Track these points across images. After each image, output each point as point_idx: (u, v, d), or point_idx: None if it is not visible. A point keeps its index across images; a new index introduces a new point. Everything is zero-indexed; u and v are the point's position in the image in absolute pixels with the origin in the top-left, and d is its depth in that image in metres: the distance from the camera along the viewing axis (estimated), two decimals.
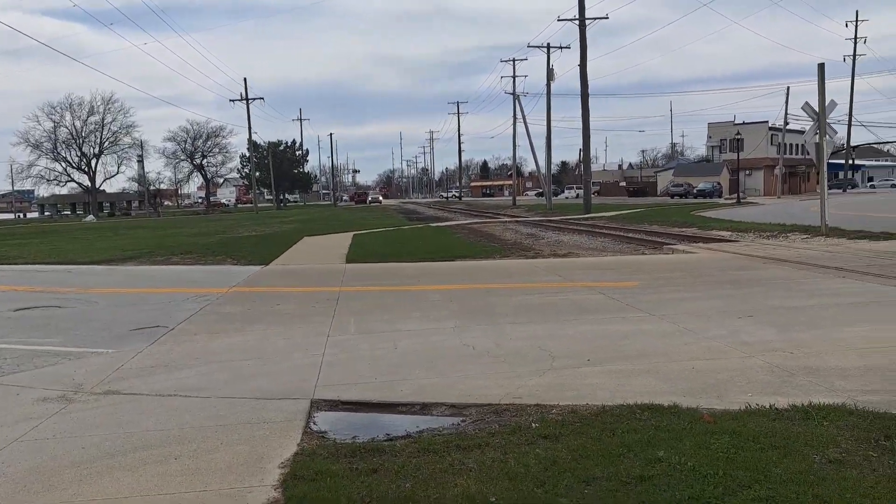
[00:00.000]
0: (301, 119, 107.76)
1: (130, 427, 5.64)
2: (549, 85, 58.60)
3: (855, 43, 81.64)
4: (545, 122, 59.65)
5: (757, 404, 5.53)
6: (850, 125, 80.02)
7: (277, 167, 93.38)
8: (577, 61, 45.48)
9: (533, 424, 5.35)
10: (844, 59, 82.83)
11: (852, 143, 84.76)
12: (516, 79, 71.20)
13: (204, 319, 10.12)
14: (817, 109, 21.72)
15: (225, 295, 12.46)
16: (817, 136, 21.82)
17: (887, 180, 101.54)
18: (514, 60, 71.04)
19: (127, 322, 10.10)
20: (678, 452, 4.58)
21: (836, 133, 23.62)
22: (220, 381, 6.88)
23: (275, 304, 11.27)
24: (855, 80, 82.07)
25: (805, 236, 20.56)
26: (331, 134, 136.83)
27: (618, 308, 10.03)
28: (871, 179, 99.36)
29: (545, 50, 57.30)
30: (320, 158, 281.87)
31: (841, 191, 71.69)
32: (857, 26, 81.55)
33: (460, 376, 6.76)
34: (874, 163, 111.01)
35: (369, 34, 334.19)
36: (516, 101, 70.85)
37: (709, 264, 14.82)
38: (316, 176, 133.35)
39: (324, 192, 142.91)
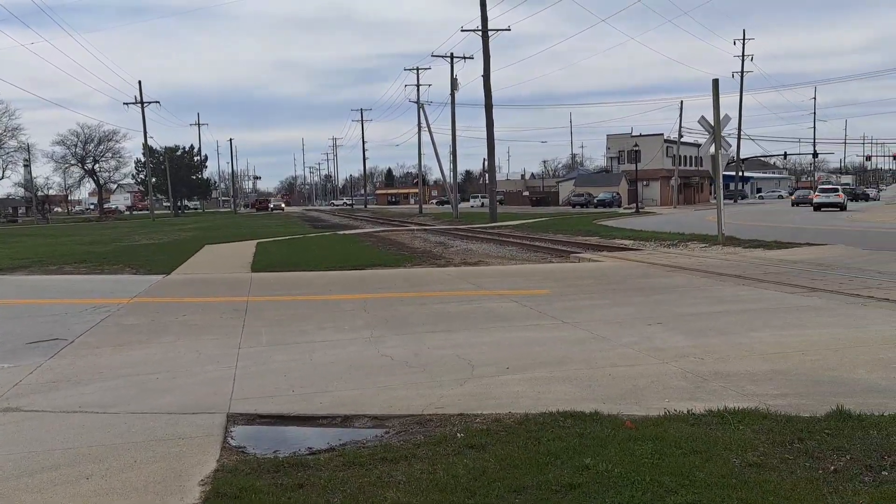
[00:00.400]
0: (199, 124, 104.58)
1: (35, 446, 5.27)
2: (453, 94, 59.19)
3: (742, 60, 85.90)
4: (450, 131, 60.18)
5: (675, 410, 5.65)
6: (739, 139, 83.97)
7: (175, 173, 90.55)
8: (481, 71, 46.08)
9: (458, 434, 5.30)
10: (733, 76, 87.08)
11: (742, 156, 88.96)
12: (420, 88, 71.60)
13: (106, 332, 9.62)
14: (713, 123, 22.67)
15: (127, 306, 11.90)
16: (713, 149, 22.77)
17: (774, 191, 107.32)
18: (417, 69, 71.42)
19: (21, 335, 9.50)
20: (605, 460, 4.61)
21: (731, 146, 24.68)
22: (128, 396, 6.53)
23: (180, 314, 10.84)
24: (743, 96, 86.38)
25: (703, 245, 21.37)
26: (230, 139, 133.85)
27: (532, 315, 10.12)
28: (759, 190, 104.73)
29: (448, 59, 57.82)
30: (219, 164, 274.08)
31: (732, 201, 75.10)
32: (744, 44, 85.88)
33: (380, 387, 6.65)
34: (761, 175, 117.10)
35: (270, 38, 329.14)
36: (420, 110, 71.31)
37: (616, 272, 15.18)
38: (215, 182, 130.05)
39: (223, 198, 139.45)
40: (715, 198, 23.36)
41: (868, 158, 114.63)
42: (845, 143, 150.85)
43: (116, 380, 7.11)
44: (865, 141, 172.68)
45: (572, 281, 13.92)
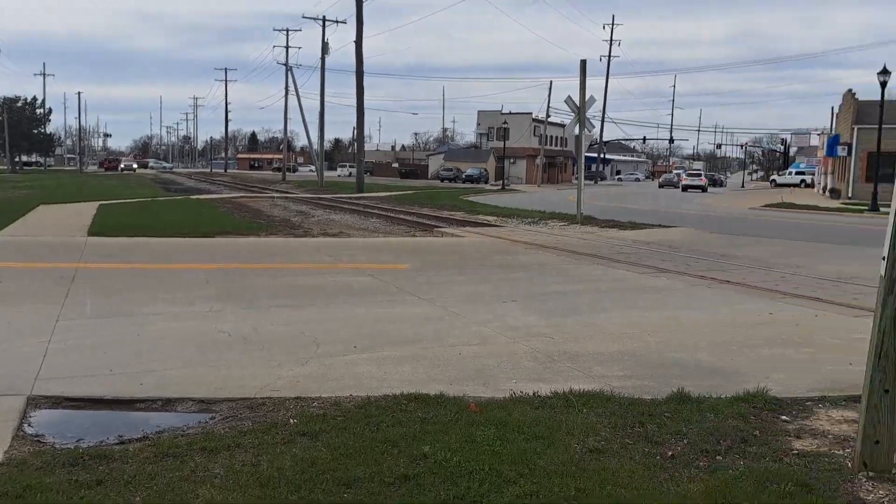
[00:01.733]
0: (45, 74, 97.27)
1: None
2: (323, 59, 57.72)
3: (610, 45, 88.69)
4: (319, 97, 58.73)
5: (522, 392, 5.46)
6: (603, 121, 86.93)
7: (14, 126, 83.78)
8: (353, 37, 45.07)
9: (291, 420, 4.88)
10: (601, 59, 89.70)
11: (605, 139, 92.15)
12: (290, 50, 69.48)
13: None
14: (578, 104, 23.02)
15: None
16: (577, 129, 23.15)
17: (631, 174, 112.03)
18: (287, 31, 69.23)
19: None
20: (444, 447, 4.33)
21: (594, 127, 25.21)
22: None
23: None
24: (609, 80, 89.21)
25: (562, 224, 21.74)
26: (79, 93, 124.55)
27: (388, 291, 9.78)
28: (618, 173, 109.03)
29: (321, 22, 56.32)
30: (66, 119, 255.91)
31: (593, 182, 77.74)
32: (612, 29, 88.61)
33: (212, 366, 6.11)
34: (621, 157, 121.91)
35: None
36: (289, 73, 69.17)
37: (477, 248, 15.10)
38: (60, 138, 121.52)
39: (69, 156, 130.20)
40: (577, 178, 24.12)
41: (718, 146, 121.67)
42: (699, 130, 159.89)
43: None
44: (717, 130, 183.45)
45: (433, 256, 13.69)
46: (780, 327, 7.73)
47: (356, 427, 4.73)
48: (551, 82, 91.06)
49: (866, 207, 32.26)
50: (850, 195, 42.34)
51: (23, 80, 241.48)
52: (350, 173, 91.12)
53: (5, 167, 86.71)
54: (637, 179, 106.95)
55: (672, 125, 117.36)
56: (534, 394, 5.39)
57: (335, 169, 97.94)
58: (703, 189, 61.67)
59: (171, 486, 3.84)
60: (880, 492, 3.78)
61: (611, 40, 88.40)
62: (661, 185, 73.41)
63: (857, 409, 5.06)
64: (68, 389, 5.44)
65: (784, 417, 4.91)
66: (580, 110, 22.87)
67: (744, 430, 4.64)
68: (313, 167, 70.14)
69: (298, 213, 25.48)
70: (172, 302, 8.70)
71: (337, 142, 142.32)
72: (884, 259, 3.75)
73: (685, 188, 61.97)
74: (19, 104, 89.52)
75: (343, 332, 7.40)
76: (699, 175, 67.56)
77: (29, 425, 4.79)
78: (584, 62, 23.87)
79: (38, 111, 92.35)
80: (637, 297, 9.64)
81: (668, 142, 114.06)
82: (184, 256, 12.84)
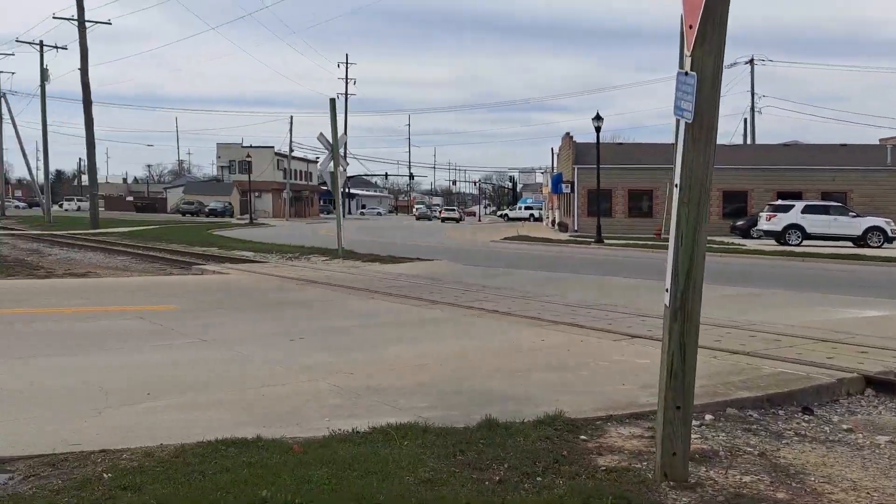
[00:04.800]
0: None
1: None
2: (43, 86, 53.39)
3: (346, 82, 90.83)
4: (40, 126, 53.91)
5: (339, 429, 5.56)
6: (345, 157, 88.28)
7: None
8: (77, 64, 42.21)
9: (105, 475, 4.60)
10: (338, 96, 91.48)
11: (349, 174, 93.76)
12: (3, 75, 63.15)
13: None
14: (331, 140, 23.43)
15: None
16: (332, 165, 23.52)
17: (374, 209, 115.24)
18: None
19: None
20: (281, 489, 4.35)
21: (348, 164, 25.76)
22: None
23: None
24: (348, 117, 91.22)
25: (325, 258, 21.89)
26: None
27: (164, 334, 9.35)
28: (363, 206, 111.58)
29: (38, 47, 51.96)
30: None
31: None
32: (347, 67, 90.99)
33: None
34: (365, 192, 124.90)
35: None
36: (3, 99, 62.84)
37: (246, 286, 14.79)
38: None
39: None
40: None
41: (454, 182, 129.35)
42: (434, 167, 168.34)
43: None
44: (451, 167, 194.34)
45: (200, 295, 13.22)
46: (554, 352, 8.51)
47: (179, 476, 4.57)
48: (292, 117, 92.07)
49: (592, 240, 35.92)
50: (576, 228, 46.89)
51: None
52: (79, 207, 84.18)
53: None
54: (379, 214, 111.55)
55: (410, 162, 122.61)
56: (352, 430, 5.51)
57: (60, 204, 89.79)
58: (459, 220, 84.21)
59: None
60: (684, 499, 4.40)
61: (346, 78, 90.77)
62: (418, 218, 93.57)
63: (640, 425, 5.82)
64: None
65: (583, 437, 5.48)
66: (334, 147, 23.28)
67: (553, 451, 5.12)
68: (33, 201, 63.73)
69: (32, 252, 23.22)
70: None
71: (59, 174, 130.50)
72: (667, 291, 4.41)
73: (444, 219, 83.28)
74: None
75: (130, 379, 7.01)
76: (454, 210, 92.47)
77: None
78: (333, 100, 24.42)
79: None
80: (419, 329, 10.09)
81: (408, 178, 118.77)
82: None
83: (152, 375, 7.17)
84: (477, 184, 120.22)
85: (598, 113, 36.47)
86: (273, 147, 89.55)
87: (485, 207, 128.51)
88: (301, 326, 10.10)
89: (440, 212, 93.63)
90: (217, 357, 8.08)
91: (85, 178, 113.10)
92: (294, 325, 10.23)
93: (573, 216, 48.16)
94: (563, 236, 43.60)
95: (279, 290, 14.15)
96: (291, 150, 78.63)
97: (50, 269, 17.42)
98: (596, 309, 11.52)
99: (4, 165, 74.53)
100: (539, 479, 4.68)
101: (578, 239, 39.04)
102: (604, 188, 40.10)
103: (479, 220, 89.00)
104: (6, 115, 62.16)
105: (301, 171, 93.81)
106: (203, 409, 6.10)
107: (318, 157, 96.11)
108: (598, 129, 36.84)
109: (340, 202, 24.37)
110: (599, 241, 34.95)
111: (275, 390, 6.74)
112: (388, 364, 7.85)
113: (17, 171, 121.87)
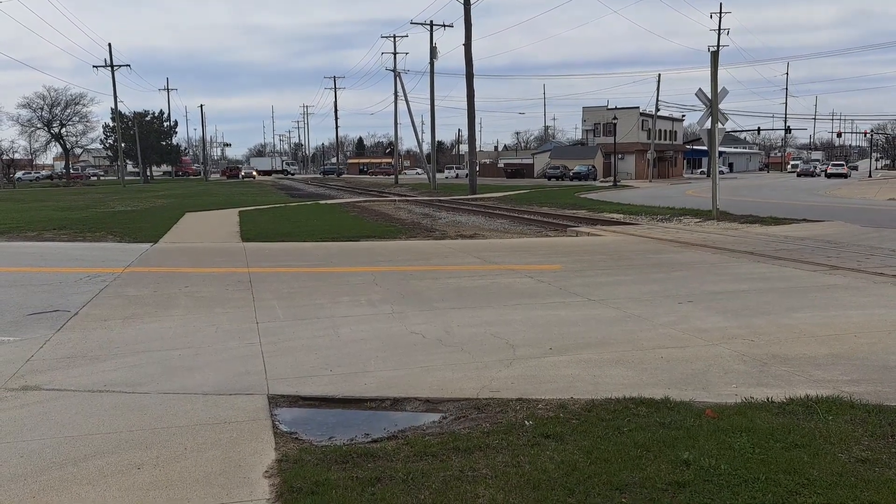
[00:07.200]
0: (168, 89, 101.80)
1: (71, 429, 4.78)
2: (432, 63, 58.10)
3: (719, 34, 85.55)
4: (427, 101, 59.43)
5: (751, 397, 5.31)
6: (714, 113, 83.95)
7: (144, 139, 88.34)
8: (456, 41, 45.85)
9: (526, 422, 4.91)
10: (708, 49, 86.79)
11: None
12: (397, 56, 70.46)
13: (109, 303, 9.05)
14: (710, 96, 22.38)
15: (122, 275, 11.30)
16: (709, 123, 22.50)
17: (744, 167, 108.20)
18: (394, 37, 70.18)
19: (20, 305, 8.91)
20: (703, 454, 4.26)
21: (727, 120, 24.42)
22: (154, 374, 6.05)
23: (183, 285, 10.29)
24: (718, 71, 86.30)
25: (697, 220, 21.16)
26: (201, 105, 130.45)
27: (553, 292, 9.74)
28: (731, 165, 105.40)
29: (427, 27, 56.75)
30: (188, 131, 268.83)
31: (706, 176, 75.32)
32: (720, 17, 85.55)
33: (422, 367, 6.24)
34: (733, 150, 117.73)
35: (238, 2, 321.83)
36: (397, 78, 70.02)
37: (621, 247, 14.86)
38: (185, 148, 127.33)
39: (196, 166, 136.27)
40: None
41: (839, 135, 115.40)
42: (815, 119, 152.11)
43: (136, 356, 6.61)
44: (835, 118, 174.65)
45: (582, 256, 13.56)
46: None
47: (597, 431, 4.71)
48: (659, 75, 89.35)
49: None
50: None
51: (146, 95, 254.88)
52: (457, 175, 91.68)
53: (137, 177, 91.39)
54: (760, 170, 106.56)
55: (786, 114, 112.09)
56: (768, 399, 5.23)
57: (442, 171, 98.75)
58: (846, 176, 76.57)
59: (448, 486, 3.93)
60: None
61: (719, 29, 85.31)
62: (798, 175, 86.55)
63: None
64: (300, 389, 5.66)
65: None
66: (713, 103, 22.22)
67: None
68: (419, 170, 70.94)
69: (425, 216, 25.79)
70: (353, 304, 8.93)
71: (440, 144, 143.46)
72: None
73: (829, 175, 76.85)
74: (148, 118, 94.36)
75: (530, 334, 7.41)
76: (842, 166, 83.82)
77: (279, 423, 5.00)
78: (715, 53, 23.26)
79: (164, 124, 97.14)
80: (821, 295, 9.25)
81: (781, 132, 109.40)
82: (340, 260, 13.18)
83: (550, 330, 7.51)
84: (868, 134, 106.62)
85: None
86: (638, 108, 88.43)
87: (876, 160, 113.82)
88: (687, 288, 9.84)
89: (824, 168, 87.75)
90: (608, 316, 8.20)
91: (462, 147, 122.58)
92: (678, 286, 10.01)
93: None
94: None
95: (656, 252, 13.96)
96: (657, 110, 77.08)
97: (443, 231, 19.19)
98: None
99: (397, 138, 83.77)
100: None
101: None
102: None
103: (870, 176, 78.85)
104: (400, 93, 69.59)
105: (665, 131, 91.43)
106: (604, 366, 6.23)
107: (683, 116, 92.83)
108: None
109: (716, 160, 23.27)
110: None
111: (672, 353, 6.64)
112: (791, 332, 7.30)
113: (406, 142, 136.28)
